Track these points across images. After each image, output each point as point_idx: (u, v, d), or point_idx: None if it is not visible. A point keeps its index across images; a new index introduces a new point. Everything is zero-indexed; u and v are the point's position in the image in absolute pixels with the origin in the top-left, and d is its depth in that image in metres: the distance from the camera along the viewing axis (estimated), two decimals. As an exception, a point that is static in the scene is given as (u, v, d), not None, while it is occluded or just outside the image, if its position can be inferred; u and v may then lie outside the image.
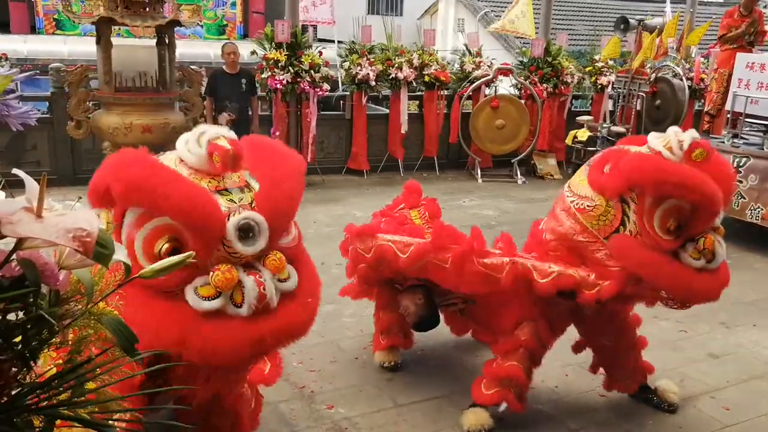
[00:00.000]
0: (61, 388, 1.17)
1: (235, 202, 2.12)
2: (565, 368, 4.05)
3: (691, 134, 2.97)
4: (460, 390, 3.80)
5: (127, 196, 2.02)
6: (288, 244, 2.24)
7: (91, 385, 1.25)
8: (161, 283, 2.00)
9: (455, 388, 3.82)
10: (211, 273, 2.05)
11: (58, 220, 0.98)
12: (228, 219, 2.06)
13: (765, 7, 10.38)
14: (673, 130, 3.01)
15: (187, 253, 1.20)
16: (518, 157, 9.49)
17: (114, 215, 2.11)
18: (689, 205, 2.88)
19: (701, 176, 2.85)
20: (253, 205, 2.14)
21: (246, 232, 2.07)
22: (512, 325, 3.40)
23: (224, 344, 2.04)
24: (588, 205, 3.07)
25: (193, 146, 2.14)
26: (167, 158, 2.21)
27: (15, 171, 1.09)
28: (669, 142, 2.96)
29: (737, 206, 6.63)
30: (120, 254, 1.13)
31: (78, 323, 1.19)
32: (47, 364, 1.25)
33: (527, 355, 3.38)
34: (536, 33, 10.08)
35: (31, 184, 1.01)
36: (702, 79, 10.40)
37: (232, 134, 2.20)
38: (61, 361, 1.24)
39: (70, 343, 1.21)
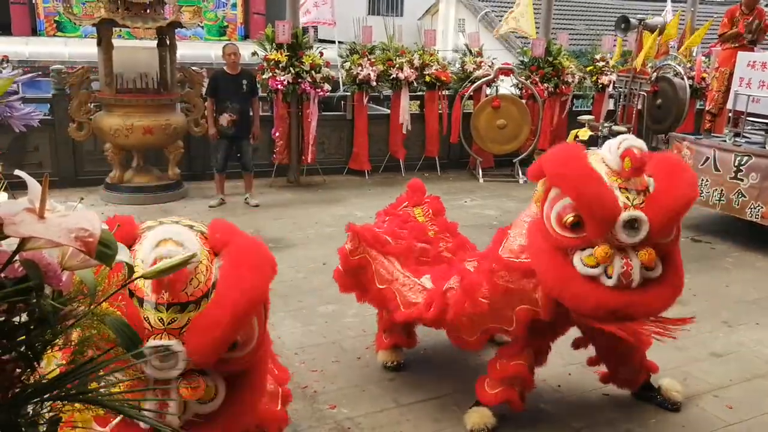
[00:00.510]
0: (64, 389, 1.17)
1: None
2: (568, 367, 4.05)
3: (629, 142, 2.94)
4: (463, 389, 3.80)
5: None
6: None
7: (94, 386, 1.25)
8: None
9: (458, 388, 3.82)
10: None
11: (61, 220, 0.98)
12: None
13: (767, 5, 10.35)
14: (625, 137, 3.00)
15: (188, 254, 1.20)
16: (520, 157, 9.49)
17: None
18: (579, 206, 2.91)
19: (590, 177, 2.88)
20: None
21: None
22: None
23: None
24: (536, 189, 3.23)
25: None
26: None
27: (17, 172, 1.09)
28: (611, 145, 3.00)
29: (737, 205, 6.62)
30: (122, 254, 1.14)
31: (81, 324, 1.20)
32: (51, 364, 1.25)
33: (532, 354, 3.38)
34: (537, 33, 10.08)
35: (34, 185, 1.01)
36: (703, 78, 10.39)
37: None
38: (64, 362, 1.24)
39: (73, 343, 1.21)
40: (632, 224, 2.85)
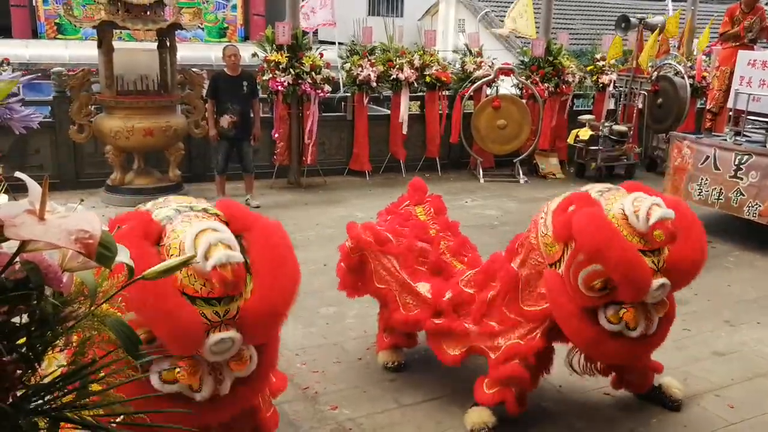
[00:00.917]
0: (65, 390, 1.17)
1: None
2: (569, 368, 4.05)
3: (662, 212, 2.97)
4: (464, 390, 3.79)
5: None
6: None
7: (96, 387, 1.25)
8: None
9: (458, 388, 3.82)
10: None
11: (61, 222, 0.99)
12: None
13: (766, 4, 10.35)
14: (651, 201, 3.02)
15: (188, 255, 1.20)
16: (520, 157, 9.49)
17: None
18: (615, 277, 2.96)
19: (629, 254, 2.92)
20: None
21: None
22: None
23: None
24: (544, 232, 3.24)
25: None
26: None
27: (18, 174, 1.09)
28: (639, 209, 3.01)
29: (735, 203, 6.63)
30: (122, 256, 1.14)
31: (81, 325, 1.20)
32: (52, 366, 1.25)
33: (531, 355, 3.37)
34: (537, 32, 10.08)
35: (34, 187, 1.01)
36: (704, 77, 10.39)
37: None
38: (65, 363, 1.24)
39: (74, 345, 1.22)
40: (660, 289, 3.01)
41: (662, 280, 3.00)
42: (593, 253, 2.93)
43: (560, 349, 3.71)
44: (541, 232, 3.24)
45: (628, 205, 3.06)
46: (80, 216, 1.03)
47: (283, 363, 4.02)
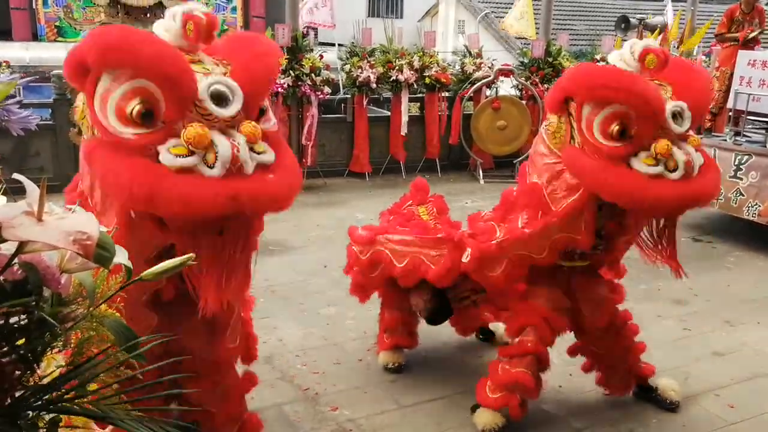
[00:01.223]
0: (63, 390, 1.18)
1: (209, 70, 2.12)
2: (569, 367, 4.05)
3: (645, 42, 2.94)
4: (464, 391, 3.80)
5: (102, 57, 2.01)
6: (268, 128, 2.22)
7: (93, 387, 1.26)
8: (134, 143, 2.00)
9: (459, 389, 3.83)
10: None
11: (59, 223, 0.99)
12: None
13: (766, 4, 10.37)
14: (630, 41, 2.98)
15: (187, 256, 1.21)
16: (520, 158, 9.48)
17: (88, 85, 2.07)
18: (627, 109, 2.81)
19: (632, 77, 2.82)
20: (227, 74, 2.15)
21: (219, 96, 2.07)
22: (523, 297, 3.46)
23: (197, 196, 1.98)
24: (548, 125, 3.11)
25: (169, 23, 2.16)
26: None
27: (15, 176, 1.10)
28: (623, 53, 2.95)
29: (735, 203, 6.63)
30: (121, 257, 1.14)
31: (80, 326, 1.21)
32: (51, 367, 1.26)
33: (535, 361, 3.36)
34: (537, 33, 10.08)
35: (32, 189, 1.02)
36: (703, 77, 10.38)
37: (207, 9, 2.22)
38: (64, 364, 1.25)
39: (72, 345, 1.22)
40: (679, 114, 2.85)
41: (678, 103, 2.86)
42: (599, 89, 2.83)
43: (562, 349, 3.72)
44: (545, 130, 3.13)
45: (613, 57, 3.01)
46: (78, 217, 1.04)
47: (283, 364, 4.06)
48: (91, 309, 1.17)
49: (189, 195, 1.97)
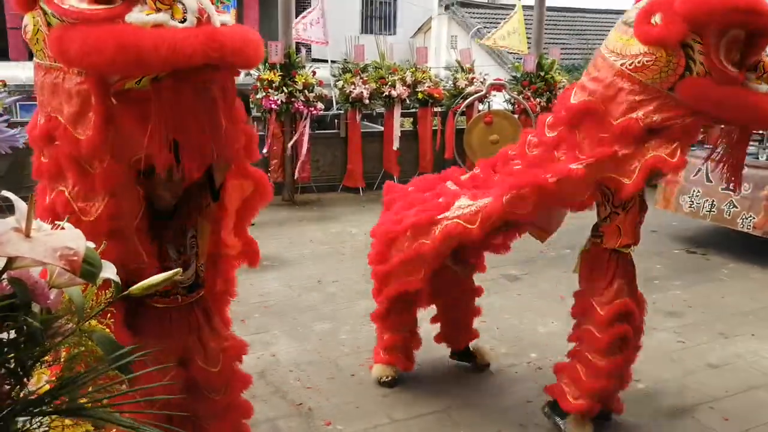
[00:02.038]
0: (53, 406, 1.19)
1: None
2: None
3: None
4: (457, 405, 3.81)
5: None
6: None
7: (84, 401, 1.26)
8: (102, 15, 1.96)
9: (452, 404, 3.83)
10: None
11: (47, 239, 1.01)
12: None
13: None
14: None
15: (173, 271, 1.22)
16: (513, 172, 9.51)
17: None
18: (745, 33, 2.85)
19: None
20: None
21: None
22: None
23: (183, 42, 1.95)
24: (647, 61, 2.95)
25: None
26: None
27: (4, 193, 1.11)
28: None
29: (729, 215, 6.66)
30: (108, 272, 1.16)
31: (69, 341, 1.21)
32: (41, 382, 1.27)
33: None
34: (528, 48, 10.15)
35: (20, 205, 1.04)
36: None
37: None
38: (54, 380, 1.26)
39: (61, 360, 1.23)
40: None
41: None
42: (730, 15, 2.78)
43: (551, 357, 3.72)
44: (644, 62, 2.98)
45: None
46: (66, 233, 1.05)
47: (277, 379, 4.05)
48: (79, 324, 1.18)
49: (175, 41, 1.95)
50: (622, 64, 3.04)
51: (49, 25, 2.05)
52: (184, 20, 2.02)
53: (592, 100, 3.15)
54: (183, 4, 2.01)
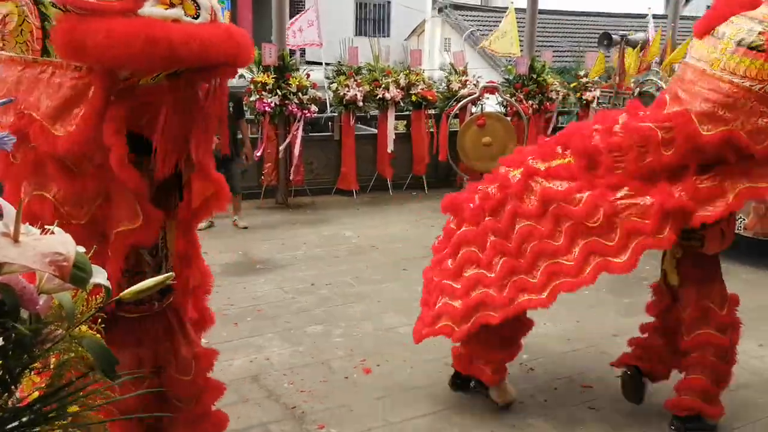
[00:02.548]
0: (42, 413, 1.18)
1: None
2: (554, 382, 4.07)
3: None
4: (451, 407, 3.82)
5: None
6: None
7: (74, 409, 1.26)
8: (118, 7, 1.93)
9: (445, 405, 3.84)
10: None
11: (36, 244, 1.01)
12: None
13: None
14: None
15: (165, 275, 1.22)
16: (506, 174, 9.53)
17: None
18: None
19: None
20: None
21: None
22: None
23: (210, 39, 1.99)
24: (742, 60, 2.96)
25: None
26: None
27: (-6, 198, 1.11)
28: None
29: (721, 217, 6.67)
30: (99, 277, 1.16)
31: (59, 347, 1.21)
32: (30, 388, 1.26)
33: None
34: (521, 51, 10.17)
35: (9, 209, 1.04)
36: (686, 93, 10.47)
37: None
38: (43, 386, 1.25)
39: (51, 367, 1.23)
40: None
41: None
42: None
43: (547, 363, 3.73)
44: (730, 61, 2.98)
45: None
46: (55, 238, 1.05)
47: (270, 382, 4.05)
48: (69, 330, 1.18)
49: (204, 37, 1.97)
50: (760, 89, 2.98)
51: (43, 16, 1.99)
52: (196, 16, 2.03)
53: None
54: (195, 2, 2.02)
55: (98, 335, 1.30)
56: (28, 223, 1.06)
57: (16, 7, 2.04)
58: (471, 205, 3.64)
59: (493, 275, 3.39)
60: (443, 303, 3.55)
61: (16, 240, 0.99)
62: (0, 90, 2.11)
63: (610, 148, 3.27)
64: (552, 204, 3.32)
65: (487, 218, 3.51)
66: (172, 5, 2.00)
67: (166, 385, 2.49)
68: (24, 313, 1.12)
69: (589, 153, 3.34)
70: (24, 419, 1.15)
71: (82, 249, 1.11)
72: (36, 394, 1.23)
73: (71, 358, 1.24)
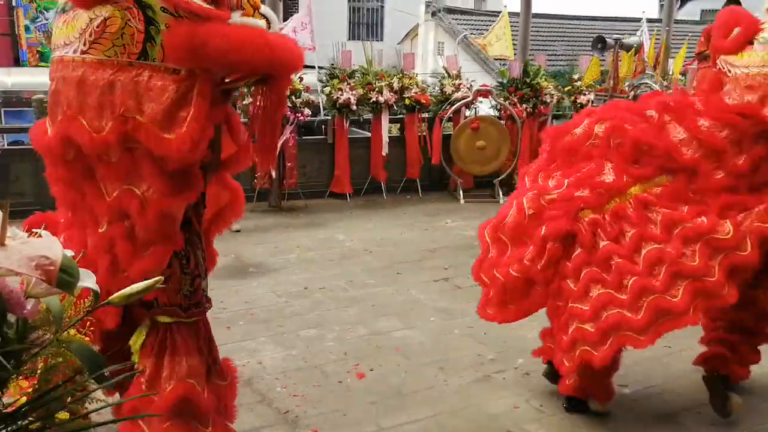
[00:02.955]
0: (31, 418, 1.17)
1: None
2: (550, 387, 4.05)
3: None
4: (445, 412, 3.80)
5: None
6: None
7: (63, 416, 1.25)
8: (223, 16, 2.11)
9: (440, 410, 3.82)
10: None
11: (22, 248, 0.99)
12: None
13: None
14: None
15: (155, 279, 1.21)
16: (500, 177, 9.54)
17: None
18: None
19: None
20: None
21: None
22: None
23: (294, 45, 2.30)
24: None
25: None
26: None
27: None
28: None
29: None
30: (87, 281, 1.14)
31: (47, 351, 1.20)
32: (17, 394, 1.25)
33: None
34: (515, 54, 10.18)
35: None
36: (680, 96, 10.50)
37: None
38: (30, 391, 1.24)
39: (38, 372, 1.21)
40: None
41: None
42: None
43: (539, 368, 3.72)
44: None
45: None
46: (42, 242, 1.04)
47: (262, 387, 4.03)
48: (57, 334, 1.16)
49: (294, 47, 2.28)
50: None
51: (149, 20, 2.05)
52: (269, 29, 2.27)
53: None
54: (265, 16, 2.21)
55: (87, 339, 1.28)
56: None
57: (118, 10, 2.08)
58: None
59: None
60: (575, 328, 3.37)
61: (2, 243, 0.98)
62: (91, 94, 2.14)
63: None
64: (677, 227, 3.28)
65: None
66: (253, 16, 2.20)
67: (210, 392, 2.53)
68: (11, 317, 1.10)
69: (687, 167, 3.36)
70: (12, 427, 1.13)
71: (70, 252, 1.09)
72: (23, 399, 1.21)
73: (59, 363, 1.23)
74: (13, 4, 16.06)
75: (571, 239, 3.38)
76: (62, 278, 1.00)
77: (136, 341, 2.44)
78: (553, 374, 3.83)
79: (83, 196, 2.38)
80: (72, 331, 1.25)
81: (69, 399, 1.23)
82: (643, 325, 3.19)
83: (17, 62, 16.48)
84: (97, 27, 2.07)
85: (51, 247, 0.99)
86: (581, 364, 3.35)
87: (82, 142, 2.16)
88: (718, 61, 3.51)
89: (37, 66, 16.35)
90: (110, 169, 2.24)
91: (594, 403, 3.73)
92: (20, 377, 1.20)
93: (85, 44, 2.11)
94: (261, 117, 2.31)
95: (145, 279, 2.51)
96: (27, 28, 16.34)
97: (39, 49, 16.34)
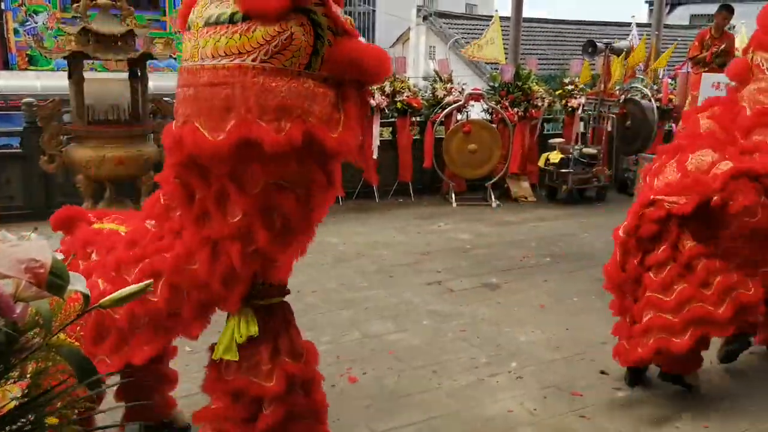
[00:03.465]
0: (20, 423, 1.16)
1: None
2: (543, 390, 4.06)
3: None
4: (439, 415, 3.79)
5: None
6: None
7: (53, 420, 1.23)
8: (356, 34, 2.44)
9: (433, 414, 3.81)
10: None
11: (12, 251, 0.98)
12: None
13: (730, 28, 10.60)
14: None
15: (145, 283, 1.20)
16: (492, 181, 9.56)
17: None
18: None
19: None
20: None
21: None
22: None
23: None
24: None
25: None
26: None
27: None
28: None
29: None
30: (78, 284, 1.13)
31: (36, 356, 1.18)
32: (6, 399, 1.23)
33: None
34: (506, 58, 10.21)
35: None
36: (671, 100, 10.57)
37: None
38: (19, 396, 1.22)
39: (28, 376, 1.20)
40: None
41: None
42: None
43: (537, 371, 3.71)
44: None
45: None
46: (31, 245, 1.02)
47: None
48: (47, 338, 1.15)
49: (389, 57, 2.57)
50: None
51: (317, 36, 2.32)
52: None
53: None
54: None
55: (77, 343, 1.27)
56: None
57: (300, 27, 2.32)
58: None
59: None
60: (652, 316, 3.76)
61: (-9, 246, 0.97)
62: (273, 99, 2.33)
63: None
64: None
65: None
66: None
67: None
68: (0, 321, 1.09)
69: None
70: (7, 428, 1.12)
71: (60, 256, 1.08)
72: (12, 404, 1.20)
73: (49, 367, 1.22)
74: (2, 7, 16.00)
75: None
76: (52, 281, 0.99)
77: (244, 332, 2.93)
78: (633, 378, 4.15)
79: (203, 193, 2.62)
80: (62, 336, 1.23)
81: (59, 404, 1.21)
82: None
83: (6, 65, 16.42)
84: (285, 39, 2.29)
85: (41, 250, 0.98)
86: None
87: (267, 142, 2.32)
88: (750, 55, 3.90)
89: (26, 69, 16.30)
90: (264, 168, 2.48)
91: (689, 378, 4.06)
92: (9, 381, 1.18)
93: (266, 54, 2.31)
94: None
95: (290, 265, 3.00)
96: (16, 32, 16.28)
97: (28, 52, 16.28)
